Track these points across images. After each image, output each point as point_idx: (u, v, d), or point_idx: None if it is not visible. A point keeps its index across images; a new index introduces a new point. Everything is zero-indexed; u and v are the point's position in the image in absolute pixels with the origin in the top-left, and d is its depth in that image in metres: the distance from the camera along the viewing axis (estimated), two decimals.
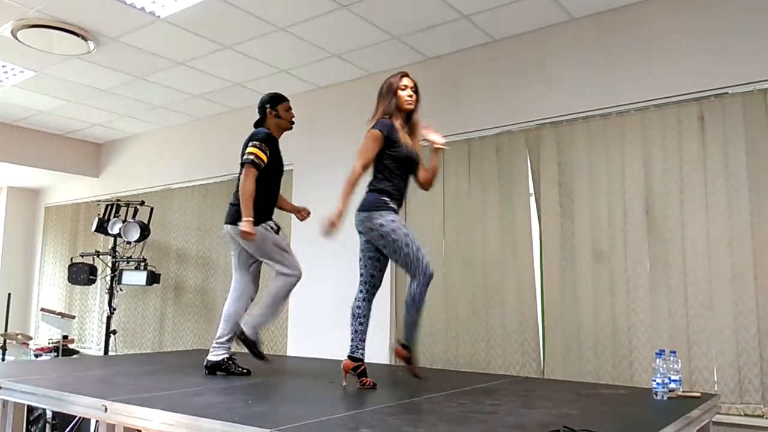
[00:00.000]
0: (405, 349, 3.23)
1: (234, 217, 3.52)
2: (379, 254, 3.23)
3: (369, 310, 3.24)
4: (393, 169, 3.22)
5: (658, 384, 2.84)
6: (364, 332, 3.18)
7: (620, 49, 4.15)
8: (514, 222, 4.46)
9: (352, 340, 3.16)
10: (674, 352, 2.95)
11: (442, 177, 4.83)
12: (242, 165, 3.49)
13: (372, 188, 3.24)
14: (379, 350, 4.84)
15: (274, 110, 3.66)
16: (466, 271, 4.63)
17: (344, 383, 3.11)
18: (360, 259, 3.29)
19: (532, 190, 4.44)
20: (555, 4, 4.16)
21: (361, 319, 3.18)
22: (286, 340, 5.59)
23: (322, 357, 4.66)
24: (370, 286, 3.26)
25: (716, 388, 3.58)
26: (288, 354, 5.50)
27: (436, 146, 3.31)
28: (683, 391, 2.94)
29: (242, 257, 3.66)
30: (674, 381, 2.88)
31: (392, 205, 3.20)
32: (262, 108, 3.69)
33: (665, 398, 2.81)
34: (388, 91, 3.27)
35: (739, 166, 3.66)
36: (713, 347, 3.64)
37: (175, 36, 4.68)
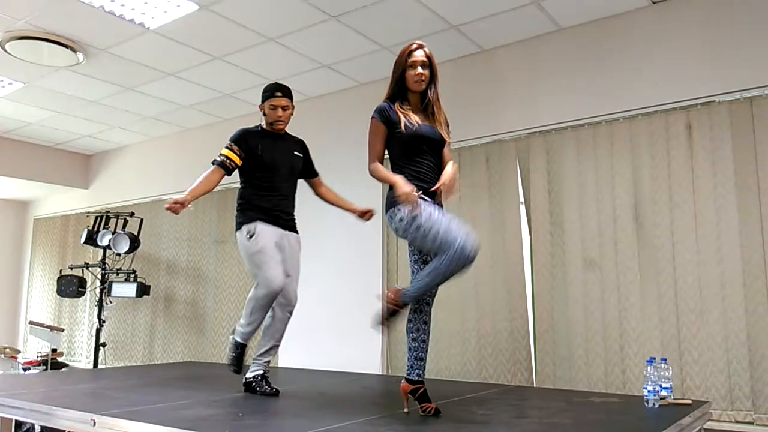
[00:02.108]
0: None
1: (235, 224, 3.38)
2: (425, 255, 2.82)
3: (423, 323, 2.83)
4: (403, 155, 2.79)
5: (649, 391, 2.84)
6: (419, 349, 2.79)
7: (608, 58, 4.18)
8: (505, 230, 4.47)
9: (408, 359, 2.79)
10: (665, 360, 2.96)
11: None
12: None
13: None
14: (372, 360, 4.84)
15: (262, 106, 3.48)
16: (457, 280, 4.61)
17: (405, 409, 2.73)
18: (413, 263, 2.92)
19: (522, 199, 4.46)
20: (543, 15, 4.19)
21: (413, 334, 2.79)
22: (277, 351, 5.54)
23: (314, 367, 4.64)
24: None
25: (707, 395, 3.58)
26: (279, 365, 5.46)
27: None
28: (674, 399, 2.95)
29: None
30: (665, 388, 2.88)
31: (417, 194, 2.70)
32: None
33: (657, 406, 2.82)
34: (396, 69, 2.85)
35: (726, 173, 3.70)
36: (704, 354, 3.65)
37: (165, 47, 4.68)
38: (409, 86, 2.84)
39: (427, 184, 2.77)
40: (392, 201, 2.70)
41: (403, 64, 2.82)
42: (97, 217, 6.72)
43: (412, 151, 2.79)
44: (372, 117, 2.82)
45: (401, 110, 2.81)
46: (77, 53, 4.72)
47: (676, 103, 3.88)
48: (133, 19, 4.26)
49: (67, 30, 4.44)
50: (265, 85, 3.50)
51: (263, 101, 3.46)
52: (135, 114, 6.28)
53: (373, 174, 2.77)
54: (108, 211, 6.76)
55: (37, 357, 6.95)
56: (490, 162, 4.62)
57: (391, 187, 2.67)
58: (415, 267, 2.90)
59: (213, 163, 3.30)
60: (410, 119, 2.79)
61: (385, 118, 2.79)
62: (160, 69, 5.11)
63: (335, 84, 5.36)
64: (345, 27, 4.35)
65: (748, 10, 3.71)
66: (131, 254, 6.46)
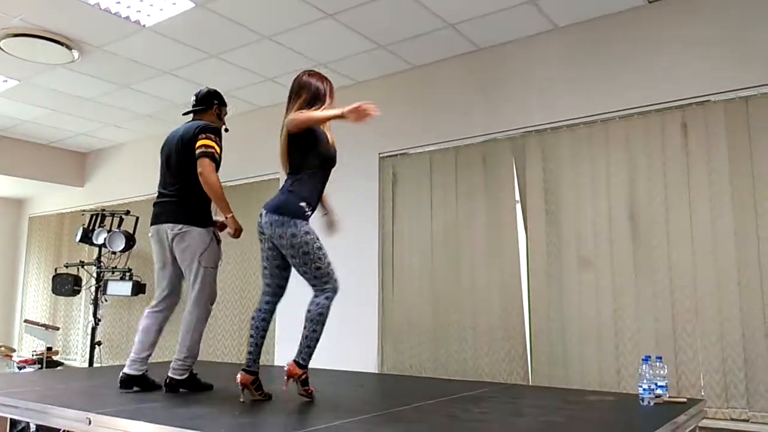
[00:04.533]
0: (300, 367, 2.86)
1: (177, 216, 3.21)
2: (286, 263, 2.96)
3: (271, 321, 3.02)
4: (316, 171, 2.95)
5: (644, 390, 2.84)
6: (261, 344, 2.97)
7: (604, 58, 4.19)
8: (501, 229, 4.48)
9: (250, 353, 2.92)
10: (660, 358, 2.97)
11: (430, 185, 4.85)
12: (197, 157, 3.17)
13: (290, 189, 2.92)
14: (367, 358, 4.84)
15: (219, 110, 3.45)
16: (453, 279, 4.63)
17: (241, 399, 2.88)
18: (265, 268, 2.99)
19: (518, 198, 4.46)
20: (539, 13, 4.20)
21: (262, 332, 2.96)
22: (274, 350, 5.55)
23: (309, 366, 4.63)
24: (278, 297, 3.03)
25: (702, 393, 3.60)
26: (274, 364, 5.46)
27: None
28: (670, 397, 2.95)
29: (174, 267, 3.31)
30: (660, 387, 2.89)
31: (309, 214, 2.90)
32: (209, 100, 3.44)
33: (652, 404, 2.82)
34: (330, 93, 3.01)
35: (721, 172, 3.71)
36: (699, 352, 3.66)
37: (161, 45, 4.66)
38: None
39: (316, 206, 3.02)
40: (293, 212, 2.85)
41: (328, 93, 2.99)
42: (92, 216, 6.70)
43: (322, 169, 2.99)
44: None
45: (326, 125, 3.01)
46: (72, 51, 4.70)
47: (671, 103, 3.89)
48: (128, 17, 4.24)
49: (62, 27, 4.42)
50: (215, 90, 3.52)
51: (222, 105, 3.50)
52: (130, 112, 6.27)
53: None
54: (103, 210, 6.74)
55: (33, 355, 6.94)
56: (486, 161, 4.62)
57: (291, 193, 2.88)
58: (270, 281, 3.01)
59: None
60: (330, 138, 3.00)
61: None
62: (155, 67, 5.10)
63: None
64: (341, 25, 4.35)
65: (743, 9, 3.72)
66: (127, 253, 6.45)
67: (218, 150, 3.23)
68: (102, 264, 6.54)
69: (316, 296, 2.90)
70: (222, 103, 3.50)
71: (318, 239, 2.89)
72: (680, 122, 3.88)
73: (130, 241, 6.38)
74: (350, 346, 4.86)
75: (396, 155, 5.04)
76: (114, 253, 6.42)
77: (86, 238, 6.55)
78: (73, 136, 7.19)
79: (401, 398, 3.13)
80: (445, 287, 4.67)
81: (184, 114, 3.56)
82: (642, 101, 3.99)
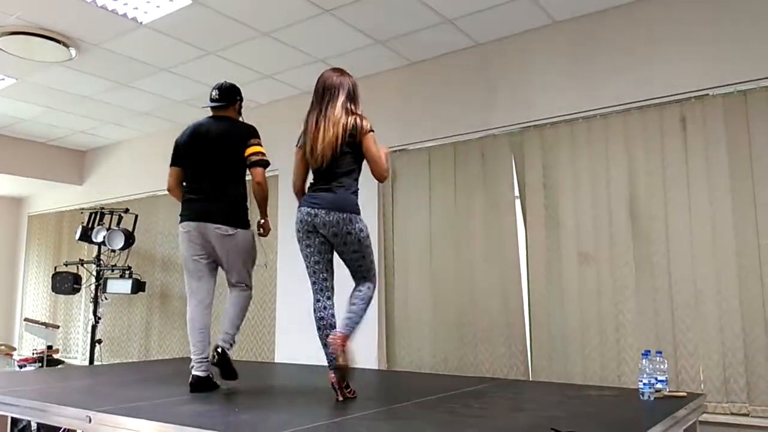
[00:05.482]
0: (347, 338, 2.86)
1: (225, 218, 3.30)
2: (332, 257, 3.05)
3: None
4: (359, 172, 3.12)
5: (644, 384, 2.85)
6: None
7: (602, 52, 4.18)
8: (500, 225, 4.48)
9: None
10: (660, 353, 2.97)
11: (429, 180, 4.85)
12: (253, 165, 3.32)
13: (352, 189, 3.04)
14: (367, 355, 4.84)
15: (240, 105, 3.57)
16: (453, 275, 4.63)
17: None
18: (318, 263, 3.00)
19: (517, 193, 4.46)
20: (537, 8, 4.19)
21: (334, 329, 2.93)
22: (274, 346, 5.56)
23: (310, 363, 4.63)
24: (331, 292, 3.05)
25: (702, 388, 3.60)
26: (275, 361, 5.47)
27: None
28: (670, 391, 2.96)
29: (211, 263, 3.41)
30: (661, 381, 2.89)
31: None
32: (232, 95, 3.51)
33: (652, 398, 2.83)
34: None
35: (720, 166, 3.70)
36: (699, 347, 3.66)
37: (158, 42, 4.65)
38: None
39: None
40: (358, 209, 3.03)
41: None
42: (91, 214, 6.69)
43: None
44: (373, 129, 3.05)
45: None
46: (69, 48, 4.69)
47: (670, 97, 3.89)
48: (125, 14, 4.23)
49: (59, 25, 4.41)
50: (236, 86, 3.58)
51: (242, 101, 3.60)
52: (128, 109, 6.26)
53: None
54: (102, 208, 6.73)
55: (33, 354, 6.94)
56: (485, 156, 4.62)
57: (353, 192, 3.03)
58: (326, 275, 3.06)
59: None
60: None
61: None
62: (153, 64, 5.09)
63: None
64: (339, 21, 4.34)
65: (741, 3, 3.71)
66: (126, 251, 6.44)
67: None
68: (101, 262, 6.54)
69: (363, 284, 3.04)
70: (242, 98, 3.60)
71: None
72: (679, 116, 3.88)
73: (130, 238, 6.37)
74: (352, 343, 4.86)
75: (395, 151, 5.03)
76: (113, 251, 6.41)
77: (85, 236, 6.54)
78: (71, 134, 7.18)
79: (402, 394, 3.14)
80: (445, 283, 4.67)
81: (205, 107, 3.58)
82: (641, 95, 3.98)
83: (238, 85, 3.59)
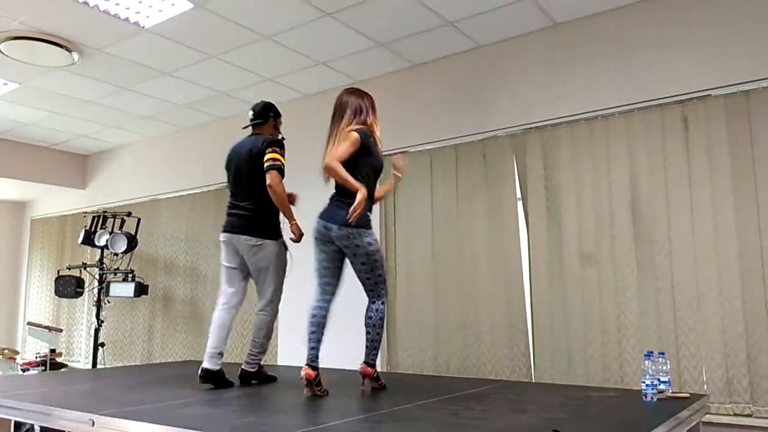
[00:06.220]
0: (371, 366, 3.24)
1: (253, 230, 3.48)
2: (345, 264, 3.24)
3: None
4: (369, 178, 3.21)
5: (647, 385, 2.85)
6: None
7: (604, 53, 4.18)
8: (502, 226, 4.48)
9: (313, 349, 3.13)
10: (663, 354, 2.97)
11: (430, 182, 4.85)
12: (266, 170, 3.43)
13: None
14: None
15: (275, 121, 3.72)
16: (455, 276, 4.63)
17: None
18: (326, 268, 3.22)
19: (519, 195, 4.46)
20: (539, 10, 4.19)
21: (323, 329, 3.18)
22: (276, 348, 5.56)
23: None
24: (335, 295, 3.25)
25: (705, 389, 3.59)
26: (278, 363, 5.47)
27: (397, 174, 3.54)
28: (672, 392, 2.96)
29: (242, 272, 3.60)
30: (663, 382, 2.89)
31: (371, 220, 3.21)
32: (265, 113, 3.69)
33: (655, 399, 2.83)
34: (371, 106, 3.33)
35: (723, 166, 3.70)
36: (701, 347, 3.66)
37: (160, 46, 4.67)
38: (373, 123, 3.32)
39: (370, 209, 3.21)
40: (366, 222, 3.11)
41: (374, 107, 3.35)
42: (94, 217, 6.71)
43: (374, 179, 3.25)
44: (355, 131, 3.15)
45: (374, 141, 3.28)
46: (72, 53, 4.71)
47: (672, 98, 3.89)
48: (127, 18, 4.25)
49: (61, 30, 4.43)
50: (272, 103, 3.75)
51: (278, 117, 3.75)
52: (131, 113, 6.27)
53: (335, 169, 3.02)
54: (105, 211, 6.75)
55: (36, 358, 6.95)
56: (487, 158, 4.62)
57: (359, 201, 3.00)
58: (331, 279, 3.24)
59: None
60: (377, 150, 3.28)
61: (365, 140, 3.17)
62: (155, 68, 5.10)
63: (331, 81, 5.35)
64: (340, 24, 4.35)
65: (744, 3, 3.71)
66: (129, 254, 6.45)
67: (283, 161, 3.48)
68: (104, 265, 6.55)
69: (373, 302, 3.22)
70: (277, 115, 3.73)
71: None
72: (681, 117, 3.87)
73: (132, 242, 6.38)
74: (352, 345, 4.85)
75: (396, 154, 5.02)
76: (116, 254, 6.42)
77: (88, 240, 6.55)
78: (74, 139, 7.20)
79: (404, 396, 3.13)
80: (447, 285, 4.67)
81: (244, 128, 3.76)
82: (642, 96, 3.98)
83: (273, 103, 3.75)
